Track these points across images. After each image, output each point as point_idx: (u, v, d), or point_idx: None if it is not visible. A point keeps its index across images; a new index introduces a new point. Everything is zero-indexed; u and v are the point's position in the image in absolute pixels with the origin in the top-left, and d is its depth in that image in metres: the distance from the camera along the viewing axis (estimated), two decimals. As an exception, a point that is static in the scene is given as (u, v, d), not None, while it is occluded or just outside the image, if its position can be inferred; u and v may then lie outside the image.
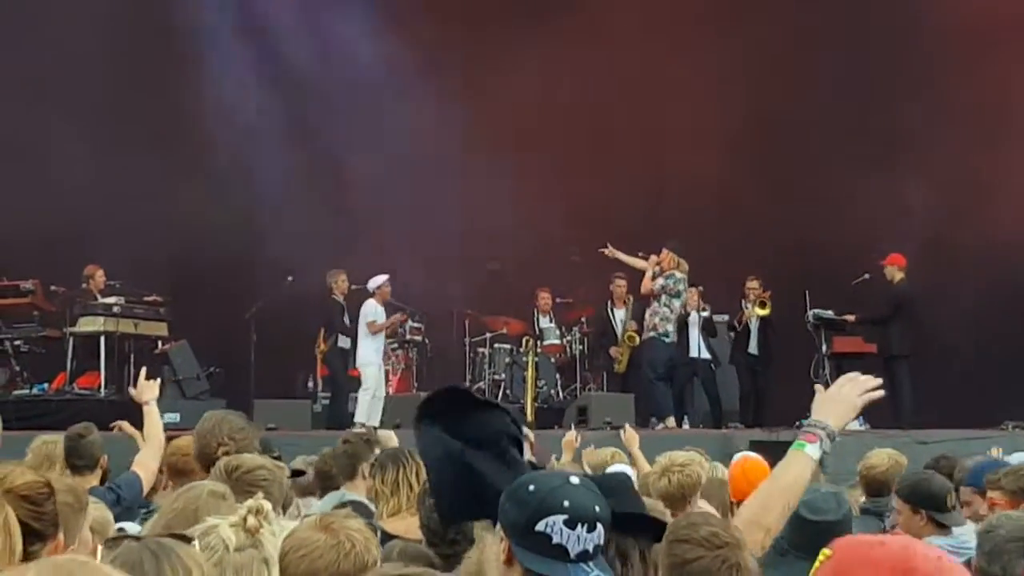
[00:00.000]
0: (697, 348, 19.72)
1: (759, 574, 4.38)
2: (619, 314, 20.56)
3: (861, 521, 7.54)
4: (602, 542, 3.77)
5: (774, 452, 5.25)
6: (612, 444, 10.54)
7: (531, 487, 3.79)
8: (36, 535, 3.68)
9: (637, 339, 19.94)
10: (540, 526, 3.71)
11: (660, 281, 18.66)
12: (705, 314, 19.94)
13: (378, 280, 19.53)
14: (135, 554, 3.50)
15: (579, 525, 3.70)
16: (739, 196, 21.32)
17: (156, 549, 3.49)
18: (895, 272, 19.25)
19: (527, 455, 4.54)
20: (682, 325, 19.29)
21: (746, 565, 4.19)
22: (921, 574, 2.51)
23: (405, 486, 6.86)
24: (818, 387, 4.86)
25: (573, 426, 11.80)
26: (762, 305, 19.87)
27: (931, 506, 7.28)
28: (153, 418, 8.53)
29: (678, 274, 18.69)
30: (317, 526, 4.26)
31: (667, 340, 18.82)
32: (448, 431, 4.14)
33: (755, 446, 13.32)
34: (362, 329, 19.39)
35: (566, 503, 3.72)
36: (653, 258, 18.86)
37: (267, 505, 3.92)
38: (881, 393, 4.74)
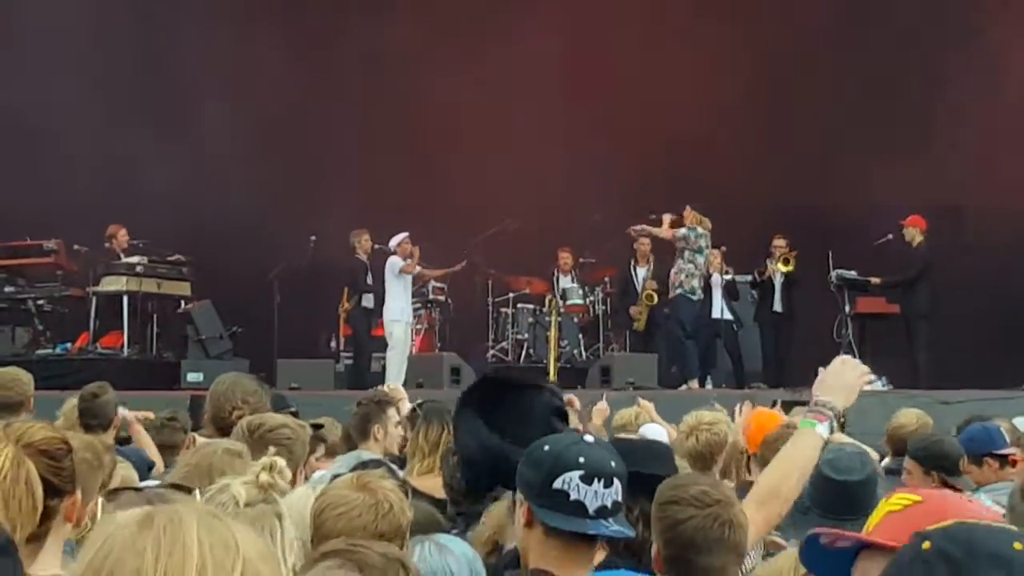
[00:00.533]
0: (720, 309, 19.75)
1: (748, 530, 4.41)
2: (641, 272, 20.49)
3: (885, 481, 7.53)
4: (620, 498, 3.78)
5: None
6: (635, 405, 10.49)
7: (546, 447, 3.82)
8: (55, 490, 3.69)
9: (656, 298, 19.91)
10: (557, 483, 3.72)
11: (682, 230, 18.57)
12: (728, 277, 19.92)
13: (398, 238, 19.55)
14: (131, 503, 3.54)
15: (595, 480, 3.72)
16: (760, 158, 21.26)
17: (152, 499, 3.53)
18: (915, 234, 19.19)
19: (572, 421, 4.61)
20: (705, 287, 19.24)
21: (738, 521, 4.22)
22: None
23: (445, 447, 6.79)
24: (821, 370, 5.03)
25: (605, 396, 11.73)
26: (785, 262, 19.83)
27: (943, 468, 7.27)
28: (144, 440, 8.63)
29: (700, 229, 18.61)
30: (354, 485, 4.26)
31: (693, 297, 18.72)
32: (488, 423, 4.19)
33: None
34: (391, 286, 19.38)
35: (581, 459, 3.74)
36: (668, 216, 18.86)
37: (281, 462, 3.92)
38: (873, 377, 5.01)
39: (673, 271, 18.83)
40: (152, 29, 21.73)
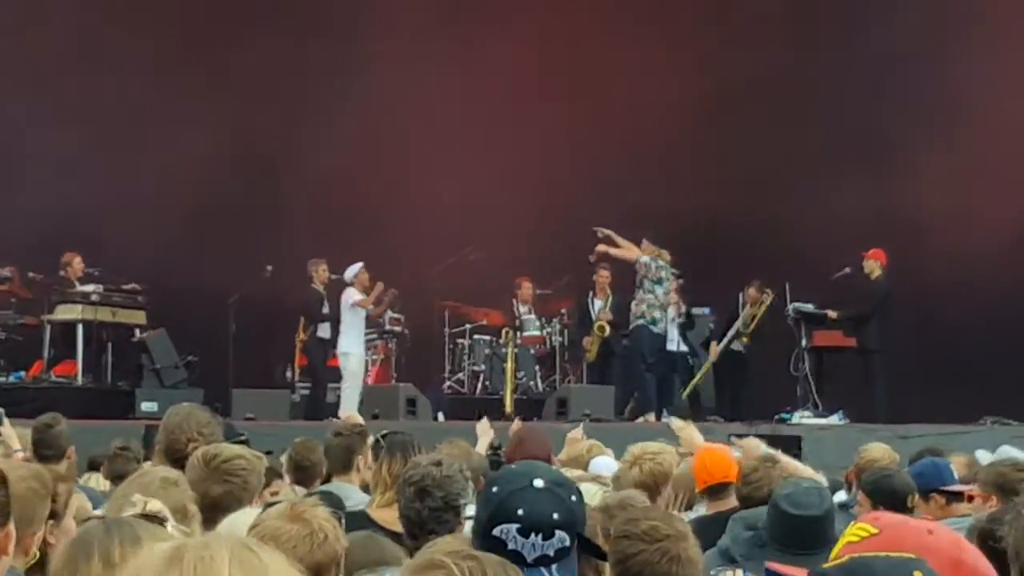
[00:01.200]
0: (676, 342, 19.69)
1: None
2: (598, 304, 20.43)
3: (840, 515, 7.53)
4: (567, 544, 3.66)
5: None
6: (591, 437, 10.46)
7: (495, 488, 3.69)
8: None
9: (607, 330, 19.88)
10: (496, 531, 3.62)
11: (645, 257, 18.49)
12: (683, 313, 19.91)
13: (354, 268, 19.52)
14: (91, 528, 3.54)
15: (533, 533, 3.61)
16: (719, 192, 21.31)
17: (110, 524, 3.53)
18: (875, 267, 19.25)
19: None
20: (661, 318, 19.24)
21: (687, 556, 4.22)
22: (968, 568, 2.52)
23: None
24: None
25: (582, 425, 11.71)
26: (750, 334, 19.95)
27: (891, 504, 7.25)
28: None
29: (661, 260, 18.58)
30: (287, 516, 4.20)
31: (655, 328, 18.64)
32: None
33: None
34: (346, 318, 19.34)
35: (520, 511, 3.60)
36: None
37: (157, 505, 3.87)
38: None
39: (634, 302, 18.79)
40: (101, 53, 21.56)
